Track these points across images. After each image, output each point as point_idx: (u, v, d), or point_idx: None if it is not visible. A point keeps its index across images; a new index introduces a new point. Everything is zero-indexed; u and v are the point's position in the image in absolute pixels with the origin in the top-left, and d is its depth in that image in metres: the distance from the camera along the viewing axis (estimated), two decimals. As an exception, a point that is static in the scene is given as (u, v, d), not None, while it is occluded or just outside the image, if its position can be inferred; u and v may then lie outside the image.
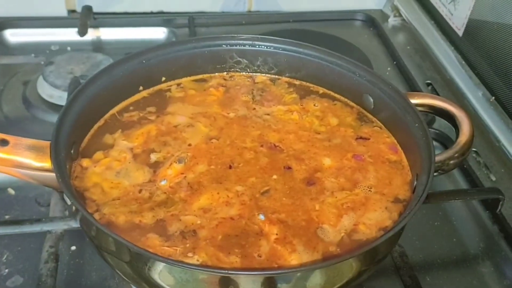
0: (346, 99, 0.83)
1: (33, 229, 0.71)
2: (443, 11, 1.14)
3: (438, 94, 1.06)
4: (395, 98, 0.76)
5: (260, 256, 0.60)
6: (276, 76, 0.86)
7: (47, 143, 0.64)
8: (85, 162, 0.69)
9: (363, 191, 0.69)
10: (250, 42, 0.84)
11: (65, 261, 0.74)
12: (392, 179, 0.71)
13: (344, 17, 1.31)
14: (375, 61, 1.15)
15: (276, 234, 0.63)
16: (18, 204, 0.83)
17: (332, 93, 0.84)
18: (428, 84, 1.10)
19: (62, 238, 0.71)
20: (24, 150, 0.62)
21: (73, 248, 0.76)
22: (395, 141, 0.76)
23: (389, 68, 1.15)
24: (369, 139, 0.77)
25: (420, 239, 0.81)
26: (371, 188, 0.69)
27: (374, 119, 0.80)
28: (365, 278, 0.64)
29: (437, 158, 0.67)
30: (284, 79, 0.86)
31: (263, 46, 0.84)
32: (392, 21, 1.29)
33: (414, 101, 0.75)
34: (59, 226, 0.71)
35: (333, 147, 0.75)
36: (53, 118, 0.96)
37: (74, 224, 0.71)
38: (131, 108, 0.79)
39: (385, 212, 0.67)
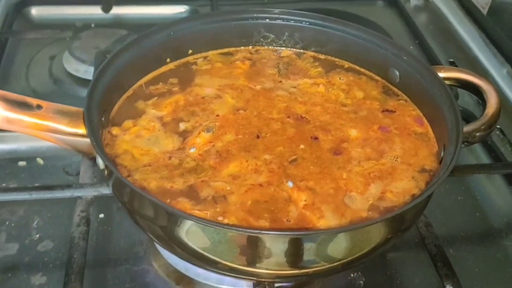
0: (371, 73, 0.83)
1: (64, 195, 0.72)
2: (467, -11, 1.13)
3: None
4: (421, 71, 0.76)
5: (289, 221, 0.61)
6: (302, 51, 0.87)
7: (80, 109, 0.65)
8: (115, 130, 0.70)
9: (389, 161, 0.70)
10: (277, 16, 0.84)
11: (94, 227, 0.75)
12: (418, 150, 0.71)
13: (367, -3, 1.31)
14: (397, 40, 1.14)
15: (305, 200, 0.64)
16: (46, 174, 0.84)
17: (357, 67, 0.84)
18: (451, 63, 1.10)
19: (92, 204, 0.73)
20: (57, 115, 0.64)
21: (101, 216, 0.78)
22: (421, 114, 0.77)
23: (411, 47, 1.15)
24: (395, 111, 0.77)
25: (444, 213, 0.81)
26: (397, 158, 0.70)
27: (399, 92, 0.80)
28: (390, 246, 0.65)
29: (464, 129, 0.68)
30: (310, 53, 0.86)
31: (290, 21, 0.85)
32: (415, 1, 1.29)
33: (440, 74, 0.75)
34: (89, 192, 0.72)
35: (359, 119, 0.76)
36: (79, 92, 1.00)
37: (105, 190, 0.73)
38: (159, 79, 0.80)
39: (412, 181, 0.67)
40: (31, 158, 0.86)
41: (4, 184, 0.82)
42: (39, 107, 0.64)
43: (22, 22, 1.18)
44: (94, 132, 0.62)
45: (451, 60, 1.10)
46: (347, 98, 0.79)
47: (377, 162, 0.69)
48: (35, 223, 0.76)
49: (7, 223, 0.76)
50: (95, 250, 0.73)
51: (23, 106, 0.63)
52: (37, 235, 0.75)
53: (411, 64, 0.77)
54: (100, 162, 0.63)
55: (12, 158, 0.86)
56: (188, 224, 0.56)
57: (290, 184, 0.65)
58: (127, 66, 0.75)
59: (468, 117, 0.95)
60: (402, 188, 0.66)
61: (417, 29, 1.18)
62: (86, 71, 1.01)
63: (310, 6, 1.24)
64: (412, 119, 0.76)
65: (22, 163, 0.86)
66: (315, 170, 0.68)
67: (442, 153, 0.68)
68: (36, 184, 0.81)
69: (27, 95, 0.96)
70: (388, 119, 0.76)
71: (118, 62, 0.74)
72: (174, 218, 0.56)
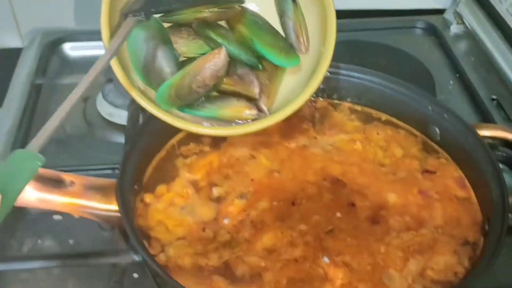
0: (410, 127, 0.80)
1: (98, 262, 0.72)
2: (511, 20, 1.08)
3: (504, 111, 1.02)
4: (462, 131, 0.73)
5: None
6: (337, 101, 0.84)
7: (113, 182, 0.64)
8: (148, 197, 0.70)
9: (430, 232, 0.67)
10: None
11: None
12: (460, 218, 0.69)
13: (404, 25, 1.26)
14: (437, 74, 1.10)
15: (341, 278, 0.62)
16: (81, 228, 0.83)
17: (395, 121, 0.81)
18: (493, 99, 1.06)
19: (126, 270, 0.72)
20: (90, 191, 0.63)
21: (136, 276, 0.77)
22: (463, 175, 0.74)
23: (451, 82, 1.11)
24: (435, 172, 0.74)
25: (495, 273, 0.77)
26: (438, 228, 0.67)
27: (440, 150, 0.77)
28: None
29: (511, 200, 0.65)
30: (346, 104, 0.84)
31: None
32: (455, 29, 1.24)
33: (483, 132, 0.73)
34: (123, 259, 0.72)
35: (398, 181, 0.73)
36: (113, 137, 0.99)
37: (137, 257, 0.72)
38: (190, 139, 0.78)
39: (454, 257, 0.64)
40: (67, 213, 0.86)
41: (39, 241, 0.82)
42: (72, 183, 0.63)
43: (57, 59, 1.18)
44: (127, 211, 0.61)
45: (494, 97, 1.06)
46: (385, 157, 0.77)
47: (416, 233, 0.67)
48: (70, 286, 0.76)
49: (41, 284, 0.76)
50: (129, 315, 0.73)
51: (56, 184, 0.63)
52: (72, 300, 0.75)
53: (452, 122, 0.75)
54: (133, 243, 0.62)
55: (47, 213, 0.85)
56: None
57: (326, 259, 0.64)
58: (161, 127, 0.74)
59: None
60: (444, 264, 0.64)
61: (457, 61, 1.14)
62: (120, 116, 1.00)
63: (343, 37, 1.20)
64: (454, 181, 0.73)
65: (57, 217, 0.85)
66: (352, 242, 0.66)
67: (486, 227, 0.65)
68: (71, 241, 0.81)
69: (61, 139, 1.00)
70: (428, 181, 0.73)
71: (151, 124, 0.73)
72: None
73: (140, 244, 0.59)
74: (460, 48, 1.20)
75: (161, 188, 0.71)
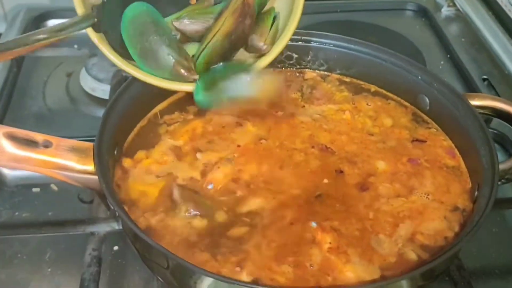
0: (399, 99, 0.79)
1: (76, 231, 0.70)
2: (502, 1, 1.07)
3: (495, 90, 1.01)
4: (453, 100, 0.72)
5: (312, 266, 0.57)
6: (326, 73, 0.82)
7: (90, 144, 0.62)
8: (126, 162, 0.67)
9: (420, 198, 0.65)
10: (300, 37, 0.80)
11: (107, 261, 0.72)
12: (450, 186, 0.67)
13: (395, 7, 1.25)
14: (427, 54, 1.09)
15: (329, 243, 0.60)
16: (60, 201, 0.81)
17: (384, 92, 0.80)
18: (484, 80, 1.04)
19: (105, 240, 0.70)
20: (67, 152, 0.61)
21: (116, 248, 0.74)
22: (453, 145, 0.72)
23: (442, 62, 1.09)
24: (425, 141, 0.73)
25: (477, 246, 0.76)
26: (428, 195, 0.65)
27: (429, 120, 0.76)
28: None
29: (501, 167, 0.63)
30: (335, 75, 0.82)
31: (314, 42, 0.81)
32: (446, 11, 1.23)
33: (474, 102, 0.71)
34: (102, 228, 0.70)
35: (387, 149, 0.71)
36: (96, 111, 0.97)
37: (117, 226, 0.70)
38: (176, 106, 0.76)
39: (444, 222, 0.63)
40: (45, 185, 0.83)
41: (17, 213, 0.79)
42: (47, 143, 0.61)
43: (40, 36, 1.15)
44: (104, 172, 0.59)
45: (485, 77, 1.04)
46: (375, 126, 0.75)
47: (406, 200, 0.65)
48: (47, 256, 0.73)
49: (18, 255, 0.74)
50: (108, 286, 0.70)
51: (31, 144, 0.60)
52: (49, 269, 0.72)
53: (441, 91, 0.73)
54: (110, 204, 0.59)
55: (26, 185, 0.83)
56: (200, 277, 0.52)
57: (313, 224, 0.61)
58: (142, 94, 0.72)
59: (503, 141, 0.90)
60: (434, 229, 0.62)
61: (448, 42, 1.12)
62: (103, 90, 0.98)
63: (334, 18, 1.19)
64: (444, 150, 0.72)
65: (36, 190, 0.83)
66: (340, 208, 0.64)
67: (476, 193, 0.64)
68: (50, 213, 0.78)
69: (43, 113, 0.98)
70: (418, 149, 0.72)
71: (132, 90, 0.71)
72: (184, 269, 0.53)
73: (119, 205, 0.56)
74: (451, 30, 1.19)
75: (140, 154, 0.69)
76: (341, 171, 0.68)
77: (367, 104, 0.78)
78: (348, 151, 0.71)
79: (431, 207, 0.64)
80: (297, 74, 0.83)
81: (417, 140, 0.73)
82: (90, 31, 0.65)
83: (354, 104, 0.78)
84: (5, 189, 0.83)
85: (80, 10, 0.63)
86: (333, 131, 0.74)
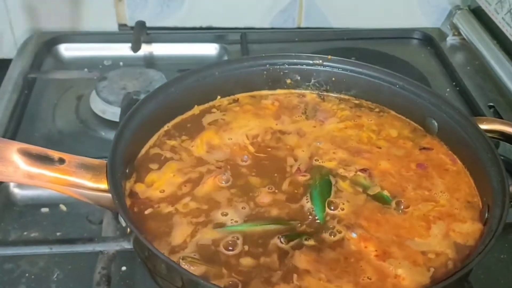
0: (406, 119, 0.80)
1: (86, 249, 0.70)
2: (507, 30, 1.09)
3: (501, 117, 1.01)
4: (462, 123, 0.72)
5: (370, 279, 0.58)
6: (330, 94, 0.84)
7: (103, 162, 0.62)
8: (138, 187, 0.68)
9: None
10: (311, 61, 0.82)
11: (115, 281, 0.72)
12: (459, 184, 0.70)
13: (400, 36, 1.27)
14: (433, 82, 1.10)
15: (376, 250, 0.60)
16: (69, 221, 0.82)
17: (392, 112, 0.81)
18: (491, 107, 1.05)
19: (114, 259, 0.70)
20: (80, 169, 0.61)
21: (124, 268, 0.74)
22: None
23: (448, 89, 1.10)
24: (432, 149, 0.75)
25: (486, 273, 0.76)
26: (444, 193, 0.68)
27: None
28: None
29: (511, 189, 0.63)
30: (336, 95, 0.83)
31: (323, 66, 0.82)
32: (451, 40, 1.25)
33: (482, 126, 0.71)
34: (111, 247, 0.69)
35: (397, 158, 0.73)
36: (106, 134, 0.98)
37: (127, 245, 0.70)
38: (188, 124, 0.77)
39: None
40: (54, 205, 0.83)
41: (25, 232, 0.79)
42: (61, 160, 0.61)
43: (51, 60, 1.17)
44: (117, 189, 0.59)
45: (491, 104, 1.06)
46: (379, 139, 0.76)
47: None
48: (55, 276, 0.73)
49: (26, 275, 0.73)
50: (116, 306, 0.70)
51: (45, 160, 0.60)
52: (57, 289, 0.72)
53: (451, 114, 0.74)
54: (121, 219, 0.60)
55: (34, 205, 0.83)
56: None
57: (353, 235, 0.62)
58: (153, 114, 0.73)
59: (509, 167, 0.90)
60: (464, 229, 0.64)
61: (454, 70, 1.14)
62: (113, 113, 0.99)
63: (341, 45, 1.21)
64: (447, 157, 0.74)
65: (44, 210, 0.83)
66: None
67: (486, 214, 0.64)
68: (58, 233, 0.78)
69: (53, 135, 0.99)
70: (424, 156, 0.74)
71: (143, 111, 0.71)
72: (194, 285, 0.53)
73: (131, 221, 0.56)
74: (457, 58, 1.20)
75: (151, 177, 0.69)
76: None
77: (369, 120, 0.80)
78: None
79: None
80: (297, 97, 0.84)
81: (424, 148, 0.75)
82: None
83: (355, 121, 0.80)
84: (14, 209, 0.83)
85: None
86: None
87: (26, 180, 0.60)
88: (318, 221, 0.64)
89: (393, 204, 0.66)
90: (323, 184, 0.69)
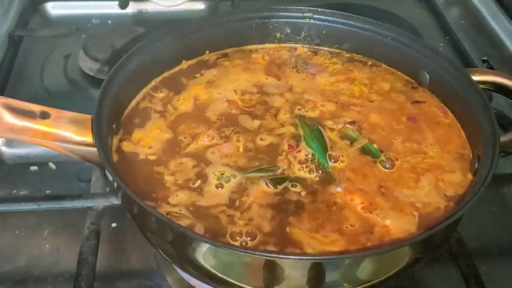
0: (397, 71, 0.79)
1: (74, 205, 0.70)
2: (502, -17, 1.07)
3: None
4: (454, 74, 0.71)
5: (353, 226, 0.58)
6: (322, 48, 0.82)
7: (89, 116, 0.62)
8: (125, 145, 0.66)
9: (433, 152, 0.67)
10: (301, 14, 0.80)
11: (106, 238, 0.72)
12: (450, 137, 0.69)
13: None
14: (427, 37, 1.09)
15: (362, 202, 0.60)
16: (58, 179, 0.81)
17: (384, 65, 0.80)
18: (484, 61, 1.04)
19: (103, 215, 0.69)
20: (65, 123, 0.60)
21: (114, 225, 0.74)
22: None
23: (442, 44, 1.09)
24: (425, 102, 0.74)
25: (476, 225, 0.76)
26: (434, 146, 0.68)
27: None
28: (420, 265, 0.60)
29: (501, 139, 0.62)
30: (332, 50, 0.82)
31: (313, 19, 0.81)
32: (445, -6, 1.23)
33: (475, 77, 0.70)
34: (100, 203, 0.69)
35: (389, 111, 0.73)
36: (94, 91, 0.96)
37: (116, 200, 0.69)
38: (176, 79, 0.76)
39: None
40: (43, 163, 0.83)
41: (14, 191, 0.79)
42: (45, 114, 0.60)
43: (38, 19, 1.14)
44: (103, 142, 0.58)
45: (484, 58, 1.04)
46: (372, 93, 0.76)
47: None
48: (45, 232, 0.73)
49: (16, 232, 0.73)
50: (106, 262, 0.70)
51: (29, 114, 0.59)
52: (47, 246, 0.72)
53: (443, 66, 0.73)
54: (108, 173, 0.59)
55: (23, 163, 0.83)
56: (199, 244, 0.52)
57: (339, 189, 0.61)
58: (139, 69, 0.72)
59: (503, 120, 0.89)
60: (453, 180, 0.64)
61: (448, 24, 1.12)
62: (101, 71, 0.97)
63: (334, 1, 1.18)
64: (439, 110, 0.73)
65: (33, 168, 0.83)
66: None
67: (476, 165, 0.63)
68: (47, 191, 0.78)
69: (40, 95, 0.97)
70: (416, 109, 0.73)
71: (130, 65, 0.70)
72: (184, 237, 0.52)
73: (118, 175, 0.56)
74: (451, 13, 1.18)
75: (137, 134, 0.68)
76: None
77: (361, 74, 0.78)
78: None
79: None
80: (288, 50, 0.83)
81: (416, 102, 0.74)
82: None
83: (347, 75, 0.78)
84: (3, 167, 0.83)
85: None
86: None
87: (11, 134, 0.59)
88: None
89: (382, 157, 0.65)
90: (318, 136, 0.68)
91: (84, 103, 0.94)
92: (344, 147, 0.67)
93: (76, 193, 0.72)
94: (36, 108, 0.60)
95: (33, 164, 0.83)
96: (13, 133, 0.59)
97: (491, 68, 1.02)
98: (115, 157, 0.64)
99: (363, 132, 0.69)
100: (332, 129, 0.69)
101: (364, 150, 0.67)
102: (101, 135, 0.59)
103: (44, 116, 0.60)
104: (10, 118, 0.58)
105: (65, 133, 0.60)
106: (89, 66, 0.99)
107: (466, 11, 1.17)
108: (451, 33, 1.10)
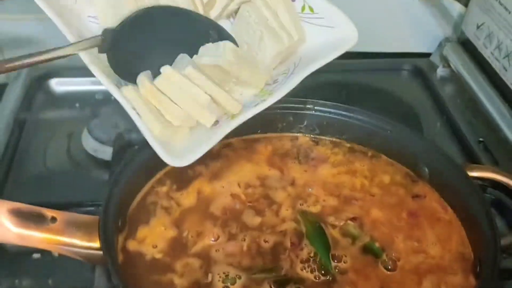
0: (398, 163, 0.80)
1: (78, 302, 0.69)
2: (496, 65, 1.10)
3: (491, 153, 1.02)
4: (452, 171, 0.73)
5: None
6: (323, 137, 0.84)
7: (96, 219, 0.62)
8: (131, 244, 0.67)
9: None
10: (303, 105, 0.82)
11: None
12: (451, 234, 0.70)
13: (391, 68, 1.27)
14: (424, 116, 1.11)
15: None
16: (61, 267, 0.81)
17: (384, 157, 0.81)
18: (480, 142, 1.06)
19: (107, 312, 0.69)
20: (71, 228, 0.61)
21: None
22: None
23: (438, 124, 1.11)
24: (425, 197, 0.75)
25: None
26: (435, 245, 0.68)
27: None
28: None
29: (503, 242, 0.64)
30: (333, 139, 0.84)
31: (313, 110, 0.83)
32: (441, 71, 1.25)
33: (474, 173, 0.72)
34: (104, 301, 0.69)
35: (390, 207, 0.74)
36: (98, 173, 0.97)
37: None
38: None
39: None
40: (46, 251, 0.82)
41: (16, 281, 0.79)
42: (53, 219, 0.61)
43: (42, 95, 1.16)
44: (110, 249, 0.59)
45: (481, 139, 1.06)
46: (373, 186, 0.77)
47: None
48: (48, 327, 0.73)
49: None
50: None
51: (36, 219, 0.60)
52: None
53: (441, 161, 0.74)
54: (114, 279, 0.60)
55: (26, 251, 0.82)
56: None
57: None
58: (144, 163, 0.73)
59: (501, 207, 0.90)
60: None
61: (444, 103, 1.14)
62: (105, 152, 0.98)
63: (330, 79, 1.21)
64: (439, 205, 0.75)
65: (36, 256, 0.82)
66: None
67: (478, 268, 0.64)
68: (50, 281, 0.78)
69: (44, 176, 0.98)
70: (416, 204, 0.74)
71: (135, 161, 0.72)
72: None
73: (123, 283, 0.56)
74: (447, 91, 1.21)
75: (142, 231, 0.69)
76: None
77: (362, 166, 0.80)
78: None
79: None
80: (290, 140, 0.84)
81: (417, 196, 0.75)
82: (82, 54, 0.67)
83: (348, 166, 0.80)
84: (5, 255, 0.82)
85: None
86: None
87: (18, 241, 0.60)
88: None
89: (384, 257, 0.66)
90: (320, 234, 0.69)
91: (88, 184, 0.96)
92: (347, 245, 0.68)
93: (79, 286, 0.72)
94: (47, 213, 0.61)
95: (35, 252, 0.83)
96: (20, 240, 0.60)
97: (487, 149, 1.04)
98: (120, 257, 0.65)
99: (364, 228, 0.70)
100: (334, 226, 0.70)
101: (366, 249, 0.67)
102: (108, 241, 0.60)
103: (52, 221, 0.61)
104: (16, 227, 0.59)
105: (71, 240, 0.60)
106: (93, 147, 1.00)
107: (461, 89, 1.19)
108: (447, 113, 1.11)
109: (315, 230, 0.69)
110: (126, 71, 0.70)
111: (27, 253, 0.82)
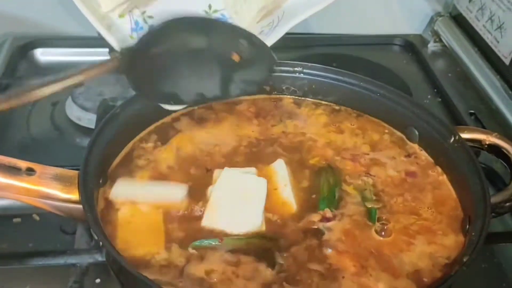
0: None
1: (57, 262, 0.67)
2: (488, 37, 1.09)
3: (482, 125, 1.01)
4: (443, 133, 0.72)
5: None
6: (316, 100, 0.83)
7: (75, 173, 0.61)
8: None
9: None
10: (293, 68, 0.81)
11: (90, 294, 0.70)
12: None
13: (382, 42, 1.26)
14: (414, 89, 1.10)
15: (353, 266, 0.59)
16: (42, 231, 0.79)
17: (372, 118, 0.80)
18: (471, 114, 1.05)
19: (87, 272, 0.67)
20: (50, 180, 0.59)
21: (98, 281, 0.72)
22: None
23: (429, 96, 1.10)
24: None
25: (465, 281, 0.75)
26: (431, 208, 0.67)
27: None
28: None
29: (492, 200, 0.62)
30: (313, 100, 0.83)
31: (302, 73, 0.81)
32: (432, 46, 1.24)
33: (463, 135, 0.71)
34: (84, 260, 0.67)
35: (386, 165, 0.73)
36: (81, 141, 0.95)
37: (100, 257, 0.67)
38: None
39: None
40: (27, 215, 0.80)
41: (-4, 243, 0.77)
42: (30, 170, 0.59)
43: (26, 65, 1.14)
44: (89, 201, 0.57)
45: (472, 111, 1.05)
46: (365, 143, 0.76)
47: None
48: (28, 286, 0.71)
49: (-2, 287, 0.71)
50: (90, 322, 0.68)
51: (13, 171, 0.58)
52: (28, 303, 0.70)
53: (432, 124, 0.73)
54: (93, 233, 0.58)
55: (6, 215, 0.81)
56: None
57: (329, 250, 0.60)
58: (128, 122, 0.72)
59: (492, 176, 0.89)
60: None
61: (435, 77, 1.13)
62: (89, 120, 0.96)
63: (322, 51, 1.20)
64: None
65: (16, 220, 0.80)
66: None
67: (467, 226, 0.63)
68: (30, 244, 0.76)
69: (27, 143, 0.96)
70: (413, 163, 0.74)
71: (118, 119, 0.70)
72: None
73: (103, 235, 0.55)
74: (438, 65, 1.20)
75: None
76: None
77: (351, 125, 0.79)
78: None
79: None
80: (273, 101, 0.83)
81: (409, 155, 0.74)
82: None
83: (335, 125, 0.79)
84: (-16, 219, 0.81)
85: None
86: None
87: (-5, 191, 0.58)
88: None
89: (376, 224, 0.65)
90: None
91: (71, 151, 0.94)
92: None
93: (59, 249, 0.70)
94: (22, 164, 0.59)
95: (16, 216, 0.81)
96: (-2, 190, 0.58)
97: (479, 121, 1.03)
98: (100, 205, 0.63)
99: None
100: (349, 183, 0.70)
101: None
102: (88, 193, 0.58)
103: (30, 172, 0.59)
104: (-8, 176, 0.57)
105: (50, 190, 0.59)
106: (77, 115, 0.98)
107: (452, 63, 1.19)
108: (438, 86, 1.10)
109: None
110: (148, 89, 0.71)
111: (7, 217, 0.81)
